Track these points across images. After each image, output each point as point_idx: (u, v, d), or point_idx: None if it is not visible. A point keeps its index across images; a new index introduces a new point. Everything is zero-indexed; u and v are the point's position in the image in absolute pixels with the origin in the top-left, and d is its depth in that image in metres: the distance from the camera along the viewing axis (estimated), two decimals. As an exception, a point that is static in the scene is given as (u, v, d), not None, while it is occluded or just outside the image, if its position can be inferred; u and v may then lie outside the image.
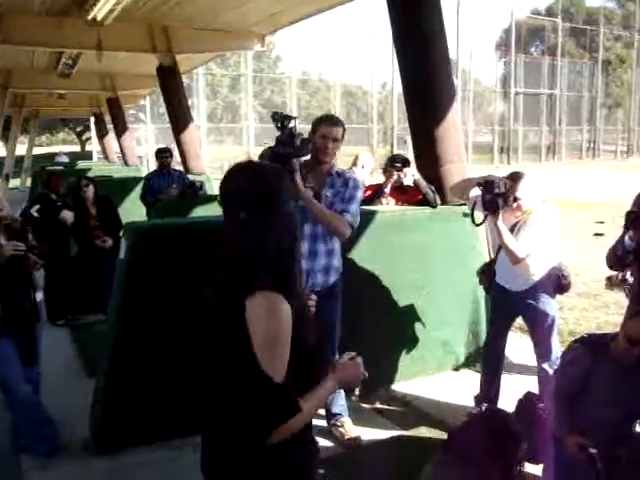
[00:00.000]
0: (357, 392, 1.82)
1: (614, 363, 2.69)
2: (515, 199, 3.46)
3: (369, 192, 4.50)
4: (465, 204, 4.03)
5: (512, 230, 3.53)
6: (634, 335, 2.64)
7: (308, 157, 3.31)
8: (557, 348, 3.71)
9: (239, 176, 1.69)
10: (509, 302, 3.74)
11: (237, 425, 1.62)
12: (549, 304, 3.66)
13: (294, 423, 1.58)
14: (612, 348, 2.71)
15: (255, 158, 3.34)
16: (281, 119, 3.21)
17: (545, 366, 3.71)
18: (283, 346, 1.56)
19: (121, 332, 3.37)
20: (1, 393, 3.46)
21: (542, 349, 3.74)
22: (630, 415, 2.73)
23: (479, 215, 3.56)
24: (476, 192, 3.54)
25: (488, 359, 4.02)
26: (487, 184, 3.39)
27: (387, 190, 4.53)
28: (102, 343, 3.55)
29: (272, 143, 3.20)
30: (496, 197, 3.36)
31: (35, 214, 3.42)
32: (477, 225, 3.54)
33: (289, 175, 3.15)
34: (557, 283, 3.64)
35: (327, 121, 3.39)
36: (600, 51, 34.22)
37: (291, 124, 3.24)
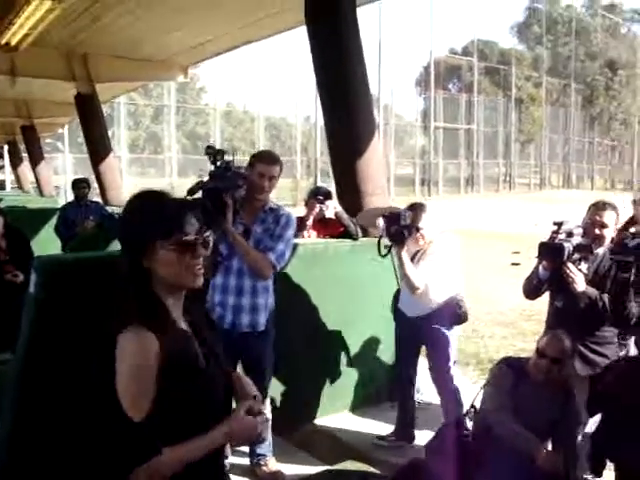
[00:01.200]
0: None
1: (531, 381, 2.86)
2: (417, 229, 3.59)
3: None
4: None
5: (412, 260, 3.64)
6: (542, 348, 2.84)
7: (242, 192, 3.24)
8: (454, 377, 3.82)
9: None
10: (409, 328, 3.85)
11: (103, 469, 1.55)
12: (445, 333, 3.75)
13: (160, 467, 1.48)
14: (529, 366, 2.85)
15: (178, 189, 3.26)
16: (214, 153, 3.17)
17: (442, 393, 3.86)
18: (144, 381, 1.48)
19: (27, 373, 3.15)
20: None
21: (437, 375, 3.86)
22: (544, 431, 2.83)
23: (384, 246, 3.62)
24: (380, 223, 3.61)
25: (398, 387, 4.08)
26: (392, 216, 3.48)
27: (309, 222, 4.53)
28: (7, 384, 3.32)
29: (204, 176, 3.16)
30: (402, 228, 3.45)
31: None
32: (382, 256, 3.60)
33: (221, 209, 3.10)
34: (454, 313, 3.74)
35: (265, 159, 3.32)
36: (513, 89, 36.07)
37: (225, 158, 3.21)
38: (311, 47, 4.80)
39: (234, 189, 3.10)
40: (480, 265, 11.11)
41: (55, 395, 3.15)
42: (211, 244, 1.64)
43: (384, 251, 3.60)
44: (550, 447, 2.85)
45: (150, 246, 1.56)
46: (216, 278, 3.25)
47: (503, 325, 7.17)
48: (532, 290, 3.50)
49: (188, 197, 3.13)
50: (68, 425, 3.17)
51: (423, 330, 3.78)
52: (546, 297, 3.56)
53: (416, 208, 3.68)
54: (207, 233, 1.62)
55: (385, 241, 3.58)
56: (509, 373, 2.90)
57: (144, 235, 1.56)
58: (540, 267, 3.36)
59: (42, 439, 3.18)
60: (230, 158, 3.21)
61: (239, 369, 3.46)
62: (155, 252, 1.56)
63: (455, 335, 3.88)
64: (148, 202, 1.63)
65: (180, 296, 1.65)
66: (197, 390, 1.56)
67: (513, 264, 10.65)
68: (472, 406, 3.00)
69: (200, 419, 1.56)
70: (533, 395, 2.82)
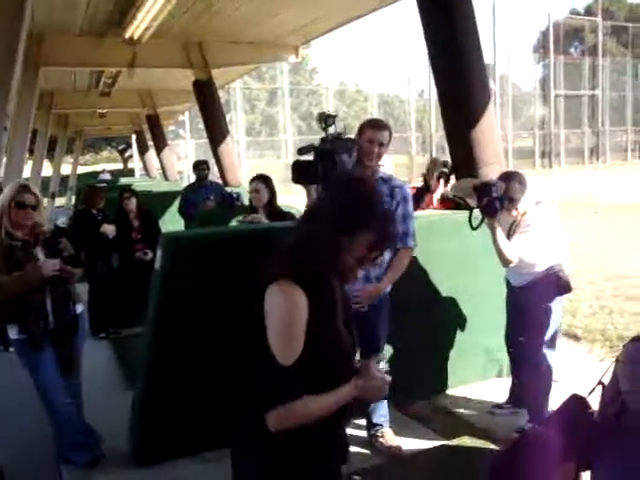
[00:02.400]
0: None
1: None
2: (511, 199, 3.47)
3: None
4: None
5: (508, 231, 3.54)
6: None
7: (353, 158, 3.25)
8: (547, 349, 3.68)
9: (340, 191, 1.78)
10: (515, 297, 3.81)
11: (248, 409, 1.69)
12: (544, 303, 3.61)
13: (295, 414, 1.61)
14: None
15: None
16: (325, 119, 3.19)
17: (527, 365, 3.77)
18: (293, 333, 1.60)
19: (157, 343, 3.36)
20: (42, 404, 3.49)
21: (529, 345, 3.73)
22: None
23: (476, 218, 3.49)
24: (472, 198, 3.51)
25: (509, 355, 4.03)
26: (483, 187, 3.36)
27: (437, 197, 4.54)
28: (140, 354, 3.56)
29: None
30: (493, 200, 3.33)
31: (62, 225, 3.45)
32: (474, 229, 3.47)
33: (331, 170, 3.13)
34: (553, 283, 3.58)
35: (374, 125, 3.30)
36: (643, 49, 33.41)
37: (337, 124, 3.23)
38: (421, 17, 4.69)
39: (345, 152, 3.10)
40: (608, 239, 10.47)
41: (184, 364, 3.35)
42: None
43: (476, 223, 3.47)
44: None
45: (357, 232, 1.65)
46: None
47: (634, 300, 6.71)
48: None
49: (298, 156, 3.19)
50: (200, 391, 3.37)
51: (523, 298, 3.70)
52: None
53: (509, 178, 3.54)
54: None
55: (477, 213, 3.46)
56: None
57: (361, 221, 1.65)
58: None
59: (171, 407, 3.40)
60: (342, 128, 3.21)
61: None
62: (354, 239, 1.65)
63: (558, 309, 3.71)
64: (371, 195, 1.73)
65: None
66: (335, 347, 1.68)
67: (646, 237, 9.92)
68: (600, 382, 2.83)
69: (333, 375, 1.67)
70: None
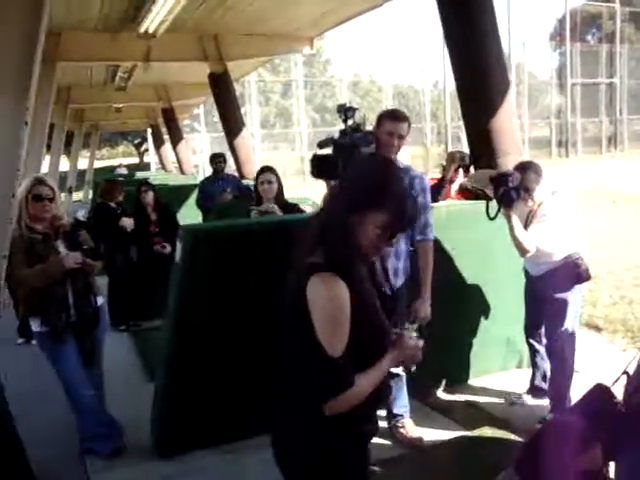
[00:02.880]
0: (413, 369, 1.82)
1: None
2: (527, 189, 3.46)
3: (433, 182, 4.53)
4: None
5: (526, 222, 3.54)
6: None
7: (372, 150, 3.25)
8: (567, 339, 3.64)
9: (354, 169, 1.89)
10: (533, 286, 3.81)
11: (300, 399, 1.73)
12: (563, 292, 3.59)
13: (350, 397, 1.66)
14: None
15: (309, 162, 3.32)
16: (345, 111, 3.18)
17: (548, 355, 3.80)
18: (339, 323, 1.63)
19: (177, 335, 3.38)
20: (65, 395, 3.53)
21: (548, 335, 3.74)
22: None
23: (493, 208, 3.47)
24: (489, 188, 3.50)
25: (528, 344, 4.02)
26: (500, 178, 3.35)
27: (455, 188, 4.53)
28: (161, 346, 3.58)
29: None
30: (510, 190, 3.31)
31: (82, 218, 3.50)
32: (491, 219, 3.45)
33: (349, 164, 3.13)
34: (572, 272, 3.56)
35: (393, 117, 3.26)
36: (662, 35, 32.87)
37: (356, 116, 3.22)
38: (439, 8, 4.66)
39: (365, 146, 3.09)
40: (627, 229, 10.36)
41: (204, 356, 3.37)
42: None
43: (493, 213, 3.46)
44: None
45: (367, 210, 1.67)
46: None
47: (657, 290, 6.64)
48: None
49: (318, 150, 3.18)
50: (221, 383, 3.39)
51: (541, 287, 3.69)
52: None
53: (525, 168, 3.54)
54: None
55: (494, 203, 3.43)
56: None
57: (372, 199, 1.68)
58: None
59: (192, 398, 3.43)
60: (361, 119, 3.20)
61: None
62: (366, 219, 1.68)
63: (577, 298, 3.69)
64: (387, 176, 1.75)
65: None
66: (374, 329, 1.74)
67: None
68: (625, 372, 2.80)
69: (375, 355, 1.74)
70: None
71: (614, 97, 31.31)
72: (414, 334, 1.82)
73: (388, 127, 3.21)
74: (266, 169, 4.43)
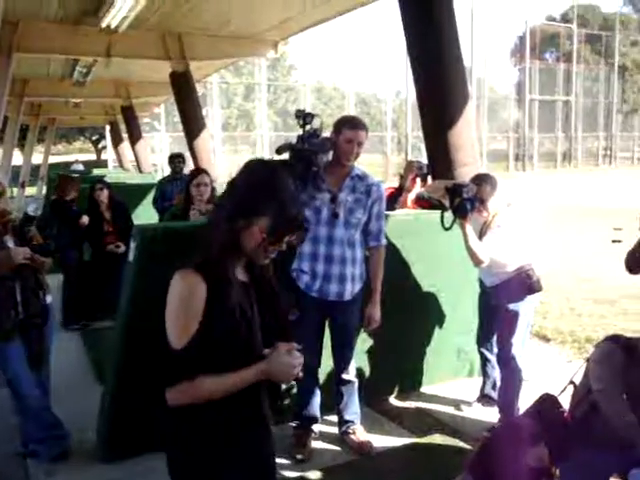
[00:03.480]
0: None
1: None
2: (482, 201, 3.52)
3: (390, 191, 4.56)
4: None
5: (480, 233, 3.59)
6: None
7: (329, 157, 3.26)
8: (517, 349, 3.69)
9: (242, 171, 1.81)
10: (486, 296, 3.88)
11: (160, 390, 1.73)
12: (515, 302, 3.65)
13: (189, 390, 1.66)
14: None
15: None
16: (304, 116, 3.18)
17: (498, 364, 3.84)
18: (182, 316, 1.65)
19: (128, 337, 3.32)
20: (9, 396, 3.42)
21: (500, 345, 3.78)
22: None
23: (448, 218, 3.52)
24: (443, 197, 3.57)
25: (480, 353, 4.08)
26: (456, 188, 3.40)
27: (412, 197, 4.57)
28: (112, 347, 3.51)
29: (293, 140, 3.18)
30: (465, 201, 3.36)
31: (31, 213, 3.41)
32: (446, 229, 3.50)
33: (313, 172, 3.13)
34: (524, 283, 3.63)
35: (353, 125, 3.29)
36: (616, 57, 33.96)
37: (314, 122, 3.22)
38: (402, 18, 4.70)
39: (323, 153, 3.10)
40: (578, 242, 10.64)
41: (154, 358, 3.31)
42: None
43: (448, 224, 3.51)
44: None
45: (252, 216, 1.69)
46: (304, 246, 3.28)
47: (602, 303, 6.83)
48: (635, 264, 3.29)
49: (276, 156, 3.17)
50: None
51: (495, 297, 3.76)
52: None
53: (481, 180, 3.62)
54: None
55: (449, 214, 3.49)
56: (619, 353, 2.68)
57: (255, 205, 1.69)
58: (645, 238, 3.15)
59: (141, 400, 3.36)
60: (318, 125, 3.21)
61: (326, 336, 3.51)
62: (252, 223, 1.69)
63: (529, 309, 3.75)
64: (273, 181, 1.73)
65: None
66: (233, 331, 1.70)
67: (614, 241, 10.09)
68: (571, 382, 2.86)
69: (230, 358, 1.70)
70: None
71: (570, 114, 32.20)
72: (297, 353, 1.76)
73: (348, 135, 3.24)
74: (201, 171, 4.50)
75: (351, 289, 3.37)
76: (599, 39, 35.38)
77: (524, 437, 1.99)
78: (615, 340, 2.76)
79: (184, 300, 1.66)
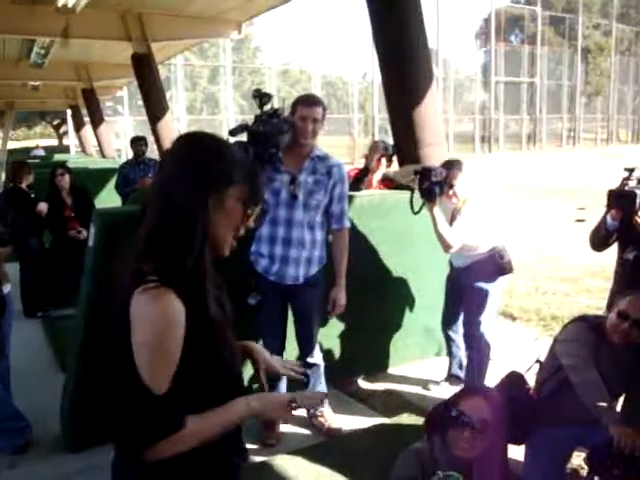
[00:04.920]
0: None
1: (609, 342, 2.64)
2: (451, 186, 3.52)
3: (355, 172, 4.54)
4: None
5: (451, 218, 3.59)
6: (623, 309, 2.61)
7: (287, 139, 3.19)
8: (484, 328, 3.75)
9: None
10: (455, 277, 3.89)
11: (121, 436, 1.38)
12: (483, 287, 3.69)
13: (177, 442, 1.32)
14: (607, 327, 2.66)
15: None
16: (261, 96, 3.10)
17: (465, 343, 3.89)
18: (164, 351, 1.29)
19: (89, 324, 3.23)
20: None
21: (467, 324, 3.82)
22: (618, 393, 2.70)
23: (417, 203, 3.51)
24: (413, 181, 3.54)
25: (445, 334, 4.11)
26: (424, 172, 3.38)
27: (377, 178, 4.55)
28: (72, 336, 3.42)
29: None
30: (433, 185, 3.35)
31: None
32: (415, 213, 3.50)
33: (270, 153, 3.06)
34: (496, 264, 3.66)
35: (306, 101, 3.23)
36: (579, 39, 34.34)
37: (272, 103, 3.14)
38: (367, 0, 4.64)
39: (279, 134, 3.04)
40: (543, 222, 10.79)
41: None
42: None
43: (417, 208, 3.50)
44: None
45: (224, 188, 1.40)
46: (262, 228, 3.22)
47: (567, 282, 6.94)
48: (599, 241, 3.32)
49: (230, 137, 3.10)
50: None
51: (465, 278, 3.77)
52: (612, 253, 3.38)
53: (451, 165, 3.61)
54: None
55: (417, 198, 3.47)
56: (589, 332, 2.69)
57: (226, 174, 1.40)
58: (608, 217, 3.18)
59: (103, 386, 3.29)
60: (278, 106, 3.14)
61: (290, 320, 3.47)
62: (222, 197, 1.39)
63: (498, 289, 3.79)
64: (226, 146, 1.47)
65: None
66: (221, 359, 1.40)
67: (578, 220, 10.27)
68: (537, 361, 2.89)
69: (218, 389, 1.41)
70: (611, 357, 2.61)
71: (534, 96, 32.52)
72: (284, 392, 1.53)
73: (302, 112, 3.17)
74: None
75: (305, 272, 3.31)
76: (563, 21, 35.70)
77: (488, 403, 2.02)
78: (584, 320, 2.79)
79: (163, 333, 1.28)
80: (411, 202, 3.51)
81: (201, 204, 1.34)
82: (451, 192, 3.55)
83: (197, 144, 1.43)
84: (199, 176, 1.35)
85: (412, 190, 3.53)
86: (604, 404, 2.46)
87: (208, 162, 1.38)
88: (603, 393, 2.49)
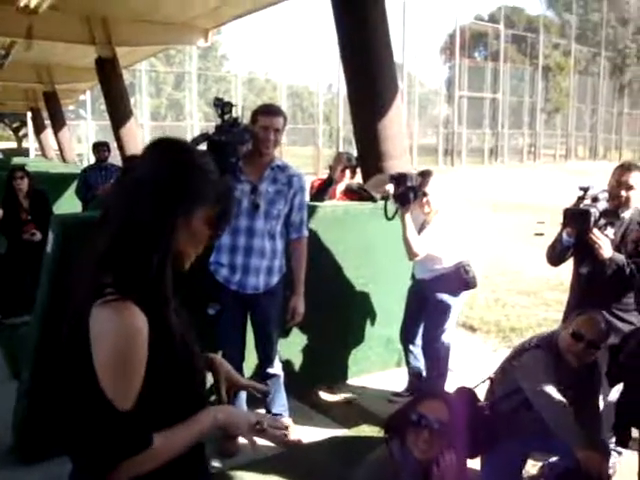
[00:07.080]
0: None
1: (564, 364, 2.68)
2: (424, 194, 3.59)
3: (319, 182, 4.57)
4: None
5: (420, 229, 3.65)
6: (577, 330, 2.65)
7: (248, 148, 3.19)
8: (444, 340, 3.81)
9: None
10: (416, 289, 3.96)
11: (82, 457, 1.30)
12: (445, 300, 3.75)
13: (145, 461, 1.26)
14: (561, 348, 2.68)
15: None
16: (222, 105, 3.09)
17: (424, 355, 3.93)
18: (129, 368, 1.23)
19: (45, 331, 3.16)
20: None
21: (425, 340, 3.88)
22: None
23: (391, 209, 3.58)
24: (390, 187, 3.57)
25: (403, 345, 4.13)
26: (400, 177, 3.45)
27: (340, 189, 4.58)
28: (27, 344, 3.34)
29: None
30: (407, 190, 3.42)
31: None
32: (389, 219, 3.55)
33: (231, 163, 3.05)
34: (460, 278, 3.73)
35: (268, 112, 3.23)
36: (540, 58, 35.19)
37: (233, 112, 3.14)
38: (334, 13, 4.68)
39: (240, 144, 3.03)
40: (503, 235, 10.97)
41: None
42: None
43: (391, 213, 3.54)
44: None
45: (193, 207, 1.33)
46: (222, 238, 3.20)
47: (526, 294, 7.07)
48: (556, 256, 3.40)
49: None
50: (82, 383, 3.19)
51: (427, 290, 3.82)
52: (569, 267, 3.46)
53: (426, 175, 3.68)
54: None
55: (392, 204, 3.52)
56: (546, 356, 2.68)
57: (197, 193, 1.33)
58: (564, 233, 3.26)
59: (57, 396, 3.21)
60: (239, 115, 3.14)
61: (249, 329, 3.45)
62: (192, 217, 1.34)
63: (460, 302, 3.86)
64: (201, 163, 1.37)
65: None
66: (184, 372, 1.36)
67: (537, 234, 10.48)
68: (489, 378, 2.92)
69: (182, 403, 1.36)
70: (567, 376, 2.65)
71: (497, 111, 33.15)
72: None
73: (264, 122, 3.17)
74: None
75: (265, 282, 3.30)
76: (524, 40, 36.57)
77: (445, 405, 2.05)
78: (536, 346, 2.80)
79: (126, 349, 1.22)
80: (385, 208, 3.57)
81: (168, 220, 1.28)
82: (425, 200, 3.62)
83: (175, 154, 1.34)
84: (172, 190, 1.28)
85: (386, 198, 3.58)
86: (570, 427, 2.49)
87: (185, 177, 1.30)
88: (568, 417, 2.52)
